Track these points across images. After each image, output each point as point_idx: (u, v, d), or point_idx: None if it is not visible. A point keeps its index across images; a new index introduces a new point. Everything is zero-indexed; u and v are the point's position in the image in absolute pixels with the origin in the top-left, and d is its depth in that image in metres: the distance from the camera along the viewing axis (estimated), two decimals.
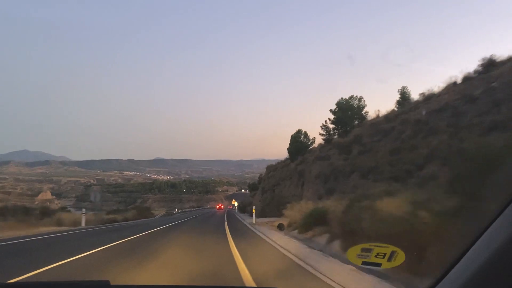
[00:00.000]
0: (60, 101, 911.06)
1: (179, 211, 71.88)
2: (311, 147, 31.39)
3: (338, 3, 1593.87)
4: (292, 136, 32.44)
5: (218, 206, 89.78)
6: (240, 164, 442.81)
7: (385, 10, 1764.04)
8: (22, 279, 5.58)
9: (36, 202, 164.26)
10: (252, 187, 72.64)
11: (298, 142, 31.50)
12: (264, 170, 49.22)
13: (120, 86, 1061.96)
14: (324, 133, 27.48)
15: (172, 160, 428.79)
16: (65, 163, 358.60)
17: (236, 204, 66.83)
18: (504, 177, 3.36)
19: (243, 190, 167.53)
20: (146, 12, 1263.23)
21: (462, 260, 1.30)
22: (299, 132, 32.13)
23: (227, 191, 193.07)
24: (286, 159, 39.16)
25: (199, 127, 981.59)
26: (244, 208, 47.36)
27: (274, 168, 39.57)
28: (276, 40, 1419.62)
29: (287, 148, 33.13)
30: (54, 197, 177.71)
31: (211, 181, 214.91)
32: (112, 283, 2.02)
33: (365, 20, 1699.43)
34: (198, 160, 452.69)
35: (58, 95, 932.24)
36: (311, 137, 31.89)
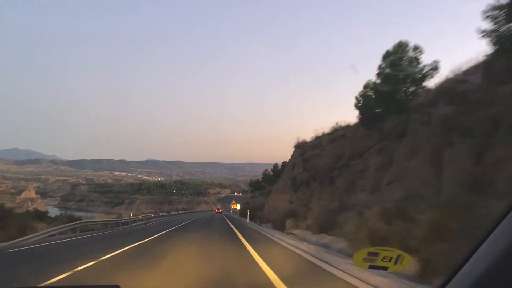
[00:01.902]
0: (53, 100, 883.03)
1: (140, 217, 36.55)
2: (423, 86, 12.96)
3: None
4: (385, 56, 13.16)
5: (216, 210, 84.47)
6: (232, 167, 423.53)
7: None
8: None
9: (17, 201, 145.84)
10: (256, 186, 53.82)
11: (399, 67, 12.50)
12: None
13: (114, 86, 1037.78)
14: (493, 27, 9.16)
15: (164, 161, 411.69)
16: (55, 162, 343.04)
17: (237, 207, 44.56)
18: None
19: (235, 193, 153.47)
20: (140, 14, 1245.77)
21: (470, 260, 1.22)
22: (400, 46, 13.09)
23: (219, 193, 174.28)
24: (335, 129, 20.86)
25: (192, 129, 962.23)
26: (253, 214, 28.49)
27: (316, 145, 20.84)
28: (271, 40, 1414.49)
29: (360, 94, 14.37)
30: (38, 196, 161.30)
31: (203, 183, 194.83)
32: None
33: None
34: (190, 162, 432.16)
35: (51, 94, 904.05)
36: (424, 60, 12.78)
